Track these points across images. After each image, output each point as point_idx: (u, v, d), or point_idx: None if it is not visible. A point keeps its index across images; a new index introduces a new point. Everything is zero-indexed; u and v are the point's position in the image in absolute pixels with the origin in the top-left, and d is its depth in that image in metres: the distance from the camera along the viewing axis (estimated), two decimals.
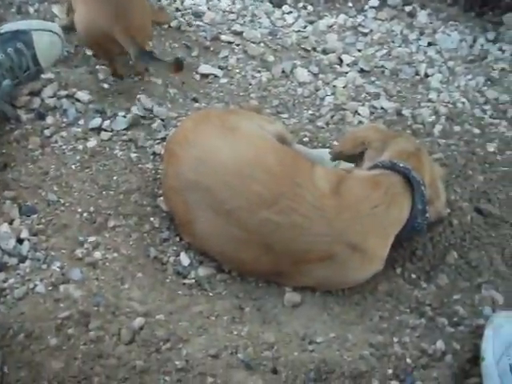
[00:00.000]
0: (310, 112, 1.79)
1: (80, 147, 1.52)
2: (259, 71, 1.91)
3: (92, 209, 1.40)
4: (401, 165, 1.31)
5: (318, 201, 1.24)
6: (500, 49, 2.12)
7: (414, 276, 1.37)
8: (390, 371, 1.16)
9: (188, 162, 1.30)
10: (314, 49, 2.04)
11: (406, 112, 1.81)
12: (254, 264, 1.28)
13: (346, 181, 1.29)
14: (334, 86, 1.89)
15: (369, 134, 1.41)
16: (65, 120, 1.57)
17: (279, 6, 2.20)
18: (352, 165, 1.44)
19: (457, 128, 1.77)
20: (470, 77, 1.99)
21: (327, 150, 1.55)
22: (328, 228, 1.23)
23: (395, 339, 1.22)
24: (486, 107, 1.87)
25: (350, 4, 2.26)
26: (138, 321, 1.19)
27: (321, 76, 1.93)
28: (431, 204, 1.33)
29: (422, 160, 1.35)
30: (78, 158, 1.50)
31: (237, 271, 1.34)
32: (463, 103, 1.88)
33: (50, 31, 1.69)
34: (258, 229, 1.23)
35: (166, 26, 1.99)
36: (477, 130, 1.76)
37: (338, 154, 1.46)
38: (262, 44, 2.02)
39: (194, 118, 1.45)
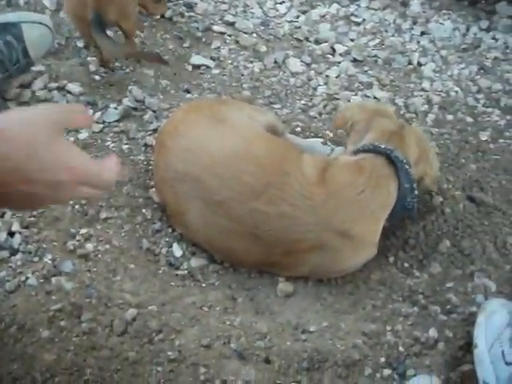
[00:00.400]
0: (303, 102, 1.78)
1: (71, 139, 1.51)
2: (251, 62, 1.90)
3: (84, 201, 1.39)
4: (382, 146, 1.29)
5: (305, 189, 1.23)
6: (493, 37, 2.12)
7: (406, 265, 1.37)
8: (383, 359, 1.16)
9: (177, 153, 1.29)
10: (307, 39, 2.04)
11: (398, 101, 1.80)
12: (244, 254, 1.28)
13: (331, 168, 1.28)
14: (327, 76, 1.88)
15: (353, 115, 1.40)
16: None
17: None
18: None
19: (450, 117, 1.77)
20: (462, 66, 1.99)
21: (320, 139, 1.55)
22: (316, 217, 1.22)
23: (388, 328, 1.22)
24: (479, 96, 1.87)
25: None
26: (131, 312, 1.19)
27: (313, 66, 1.92)
28: (425, 176, 1.34)
29: (404, 138, 1.33)
30: None
31: (228, 262, 1.34)
32: (456, 92, 1.87)
33: (40, 23, 1.67)
34: (248, 219, 1.22)
35: (157, 17, 1.98)
36: (470, 119, 1.76)
37: (335, 131, 1.48)
38: (254, 34, 2.01)
39: (184, 109, 1.44)
